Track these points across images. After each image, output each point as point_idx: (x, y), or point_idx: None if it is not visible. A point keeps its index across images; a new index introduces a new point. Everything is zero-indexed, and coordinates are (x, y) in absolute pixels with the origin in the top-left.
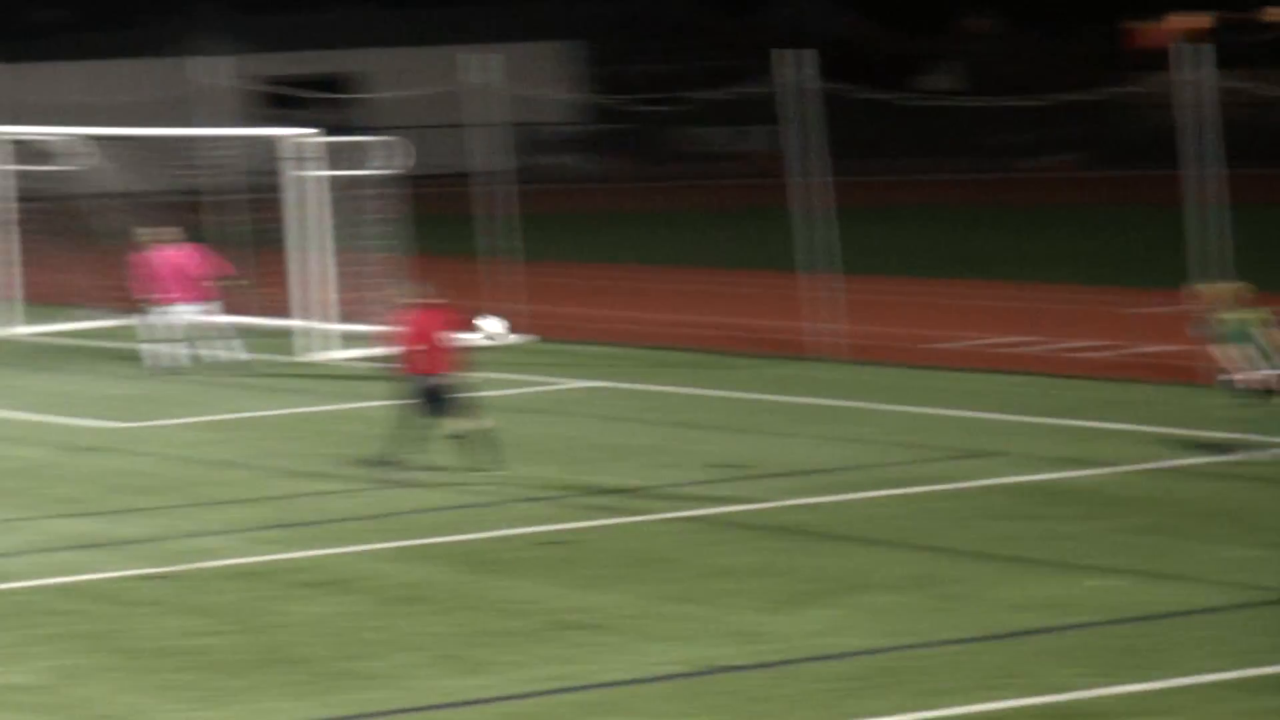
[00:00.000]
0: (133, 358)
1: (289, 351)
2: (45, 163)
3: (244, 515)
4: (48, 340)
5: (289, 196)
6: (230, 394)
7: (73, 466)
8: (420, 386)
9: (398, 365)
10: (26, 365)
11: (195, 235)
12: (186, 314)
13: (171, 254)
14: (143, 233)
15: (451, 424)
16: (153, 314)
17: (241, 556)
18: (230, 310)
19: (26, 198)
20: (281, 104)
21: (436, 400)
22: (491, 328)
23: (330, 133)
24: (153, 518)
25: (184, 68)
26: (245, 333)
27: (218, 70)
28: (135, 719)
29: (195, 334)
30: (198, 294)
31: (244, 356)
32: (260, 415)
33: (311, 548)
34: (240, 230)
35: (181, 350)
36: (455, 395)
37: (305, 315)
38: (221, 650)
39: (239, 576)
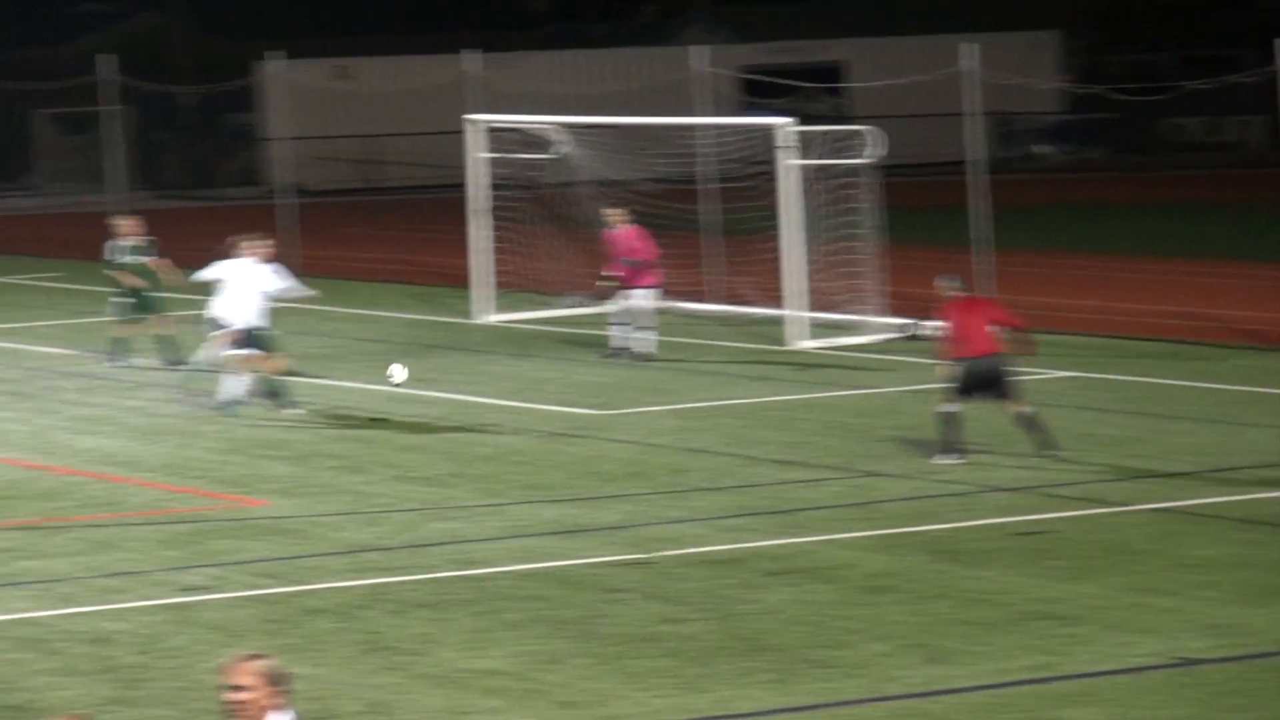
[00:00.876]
0: (603, 345)
1: (777, 340)
2: (521, 151)
3: (716, 502)
4: (521, 327)
5: (779, 185)
6: (708, 381)
7: (546, 452)
8: (967, 370)
9: (945, 352)
10: (500, 351)
11: (650, 221)
12: (646, 297)
13: (628, 237)
14: (612, 214)
15: (1009, 407)
16: (624, 298)
17: (713, 544)
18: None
19: (502, 185)
20: (765, 92)
21: (984, 385)
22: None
23: (814, 122)
24: (625, 504)
25: (668, 57)
26: (739, 320)
27: (707, 59)
28: (609, 705)
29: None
30: (652, 278)
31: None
32: (737, 403)
33: (782, 535)
34: (729, 218)
35: (649, 335)
36: (1004, 378)
37: (792, 304)
38: (693, 638)
39: (710, 564)
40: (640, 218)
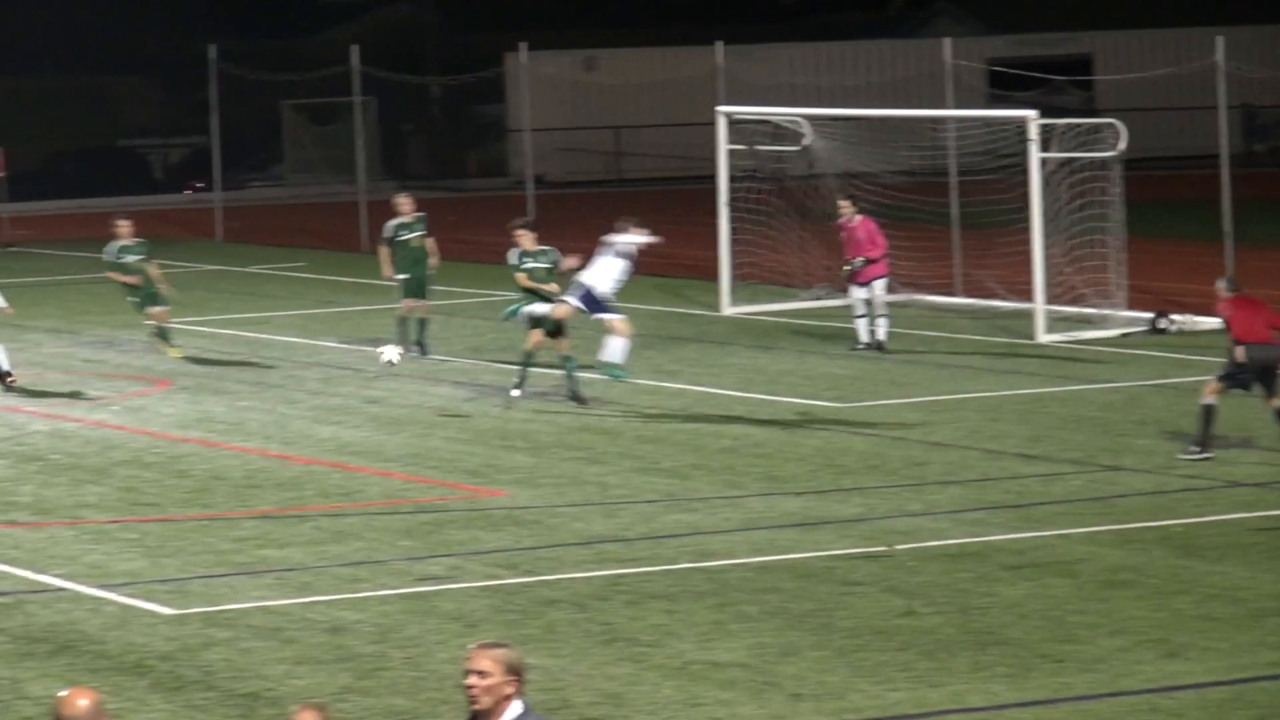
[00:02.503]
0: (845, 337)
1: (1021, 333)
2: (768, 143)
3: (955, 496)
4: (764, 319)
5: (1029, 178)
6: (950, 374)
7: (785, 444)
8: (1249, 357)
9: (1229, 342)
10: (742, 344)
11: (896, 213)
12: (877, 289)
13: (857, 229)
14: (842, 206)
15: (1273, 401)
16: (858, 289)
17: (951, 538)
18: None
19: (748, 177)
20: (1012, 84)
21: (1262, 374)
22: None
23: (1062, 115)
24: (861, 497)
25: (916, 49)
26: (983, 314)
27: (954, 51)
28: (844, 698)
29: (879, 310)
30: (880, 269)
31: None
32: (979, 396)
33: (1021, 530)
34: (973, 211)
35: (880, 326)
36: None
37: (1040, 297)
38: (930, 631)
39: (948, 557)
40: (886, 210)
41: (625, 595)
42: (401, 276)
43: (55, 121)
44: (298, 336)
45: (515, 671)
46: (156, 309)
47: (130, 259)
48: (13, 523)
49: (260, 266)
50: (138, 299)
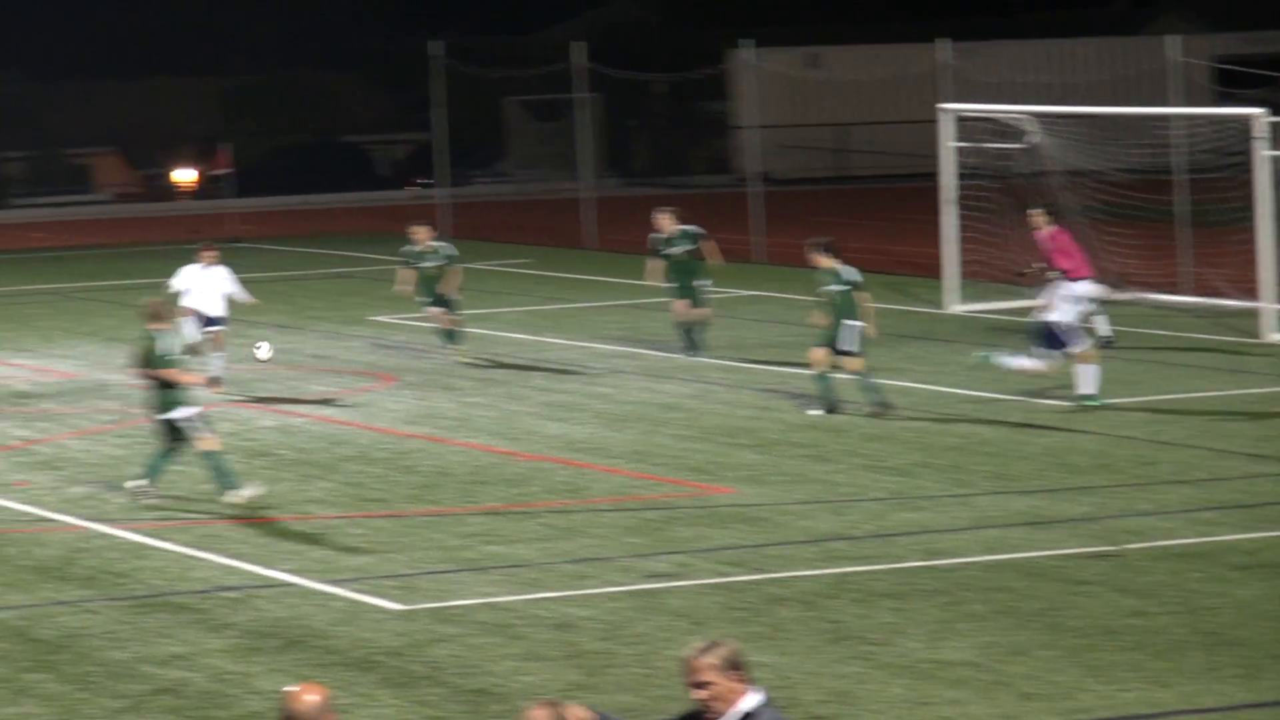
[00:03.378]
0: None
1: (1249, 332)
2: (992, 140)
3: (1185, 495)
4: (984, 316)
5: (1255, 176)
6: (1179, 374)
7: (1013, 443)
8: None
9: None
10: (968, 341)
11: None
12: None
13: (1050, 240)
14: (1034, 215)
15: None
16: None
17: (1181, 537)
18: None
19: (973, 175)
20: (1240, 82)
21: None
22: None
23: None
24: (1090, 496)
25: (1141, 46)
26: (1209, 312)
27: (1180, 49)
28: (1073, 698)
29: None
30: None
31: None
32: (1208, 395)
33: (1252, 529)
34: (1199, 209)
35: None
36: None
37: (1266, 296)
38: (1160, 631)
39: (1178, 557)
40: (1110, 208)
41: (853, 593)
42: (669, 286)
43: (279, 118)
44: (523, 333)
45: (735, 666)
46: (431, 306)
47: (427, 265)
48: (241, 518)
49: (485, 263)
50: (425, 299)
